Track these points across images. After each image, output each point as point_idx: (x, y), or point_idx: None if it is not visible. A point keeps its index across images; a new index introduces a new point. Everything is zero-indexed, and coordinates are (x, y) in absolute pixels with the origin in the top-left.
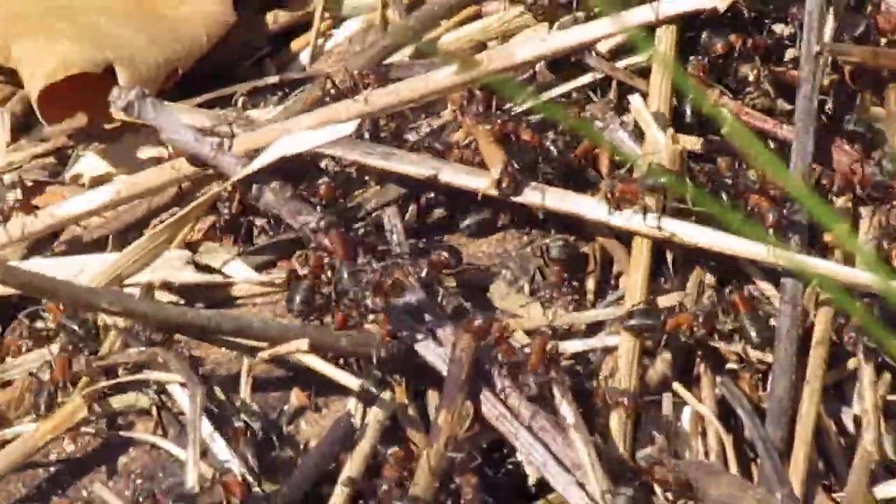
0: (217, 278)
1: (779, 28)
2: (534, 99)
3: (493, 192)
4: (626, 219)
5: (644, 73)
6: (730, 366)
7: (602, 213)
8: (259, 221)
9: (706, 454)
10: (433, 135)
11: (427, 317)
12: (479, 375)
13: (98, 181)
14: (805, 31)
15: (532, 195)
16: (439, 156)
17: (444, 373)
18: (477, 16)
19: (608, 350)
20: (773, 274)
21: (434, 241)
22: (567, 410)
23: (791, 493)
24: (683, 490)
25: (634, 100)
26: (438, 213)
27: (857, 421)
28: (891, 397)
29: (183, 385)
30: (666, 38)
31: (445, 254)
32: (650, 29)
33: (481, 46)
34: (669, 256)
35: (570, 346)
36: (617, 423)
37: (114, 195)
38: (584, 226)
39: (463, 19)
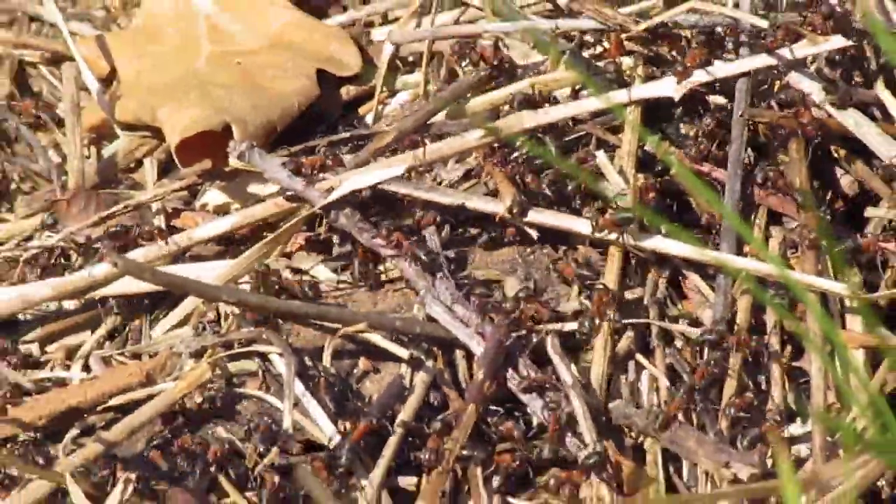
0: (306, 278)
1: (715, 99)
2: (538, 148)
3: (506, 216)
4: (603, 235)
5: (616, 130)
6: (677, 342)
7: (586, 230)
8: (336, 238)
9: (658, 405)
10: (464, 176)
11: (458, 305)
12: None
13: (220, 209)
14: (736, 102)
15: (534, 217)
16: (466, 190)
17: (471, 347)
18: (494, 87)
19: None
20: (710, 273)
21: (460, 251)
22: (564, 373)
23: (720, 433)
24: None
25: (600, 154)
26: (465, 231)
27: (769, 382)
28: (794, 364)
29: (281, 355)
30: (635, 110)
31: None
32: (625, 105)
33: (497, 110)
34: (633, 261)
35: (565, 327)
36: (596, 379)
37: (233, 222)
38: (571, 239)
39: (484, 89)
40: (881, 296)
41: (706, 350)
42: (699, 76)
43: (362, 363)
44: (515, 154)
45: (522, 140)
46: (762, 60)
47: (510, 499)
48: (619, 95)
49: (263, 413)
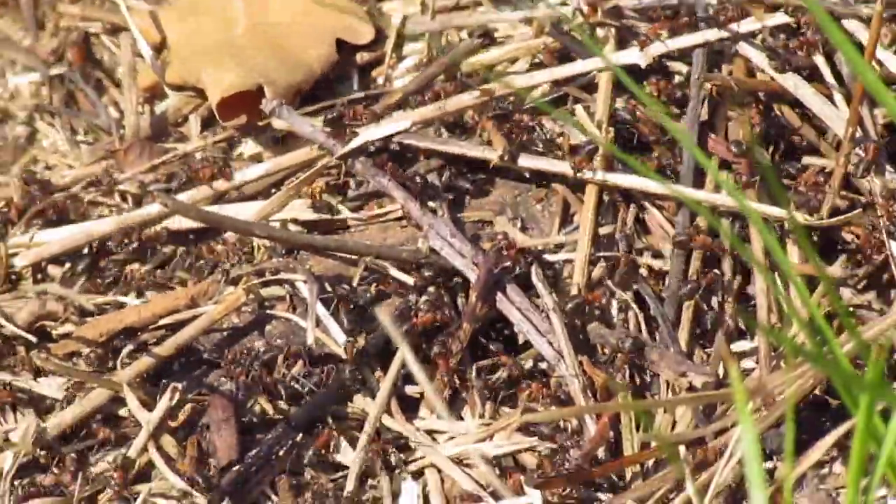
0: (326, 216)
1: (676, 65)
2: (529, 97)
3: (499, 162)
4: (581, 175)
5: (591, 90)
6: (642, 272)
7: (568, 170)
8: (352, 182)
9: (627, 327)
10: (463, 129)
11: (455, 239)
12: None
13: (254, 158)
14: (693, 67)
15: (522, 161)
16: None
17: (467, 275)
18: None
19: (568, 261)
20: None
21: (459, 193)
22: (546, 298)
23: (679, 348)
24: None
25: (578, 109)
26: (465, 174)
27: (721, 305)
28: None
29: (305, 281)
30: (608, 74)
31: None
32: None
33: (491, 68)
34: (606, 197)
35: (548, 258)
36: (574, 308)
37: (266, 168)
38: (555, 179)
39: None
40: (818, 223)
41: (667, 279)
42: (661, 47)
43: (373, 289)
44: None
45: (515, 96)
46: (715, 34)
47: (500, 405)
48: (594, 62)
49: (290, 332)
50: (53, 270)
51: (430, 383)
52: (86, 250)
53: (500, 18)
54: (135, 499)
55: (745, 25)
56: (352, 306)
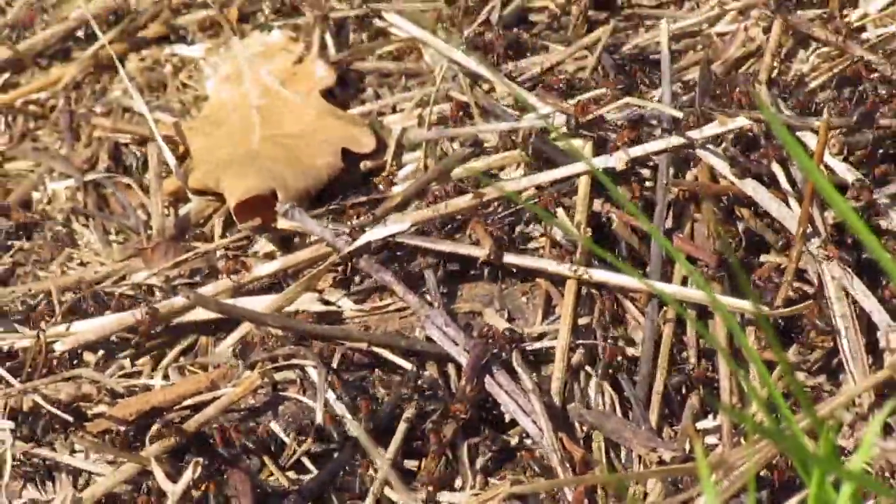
0: (333, 308)
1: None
2: (516, 200)
3: (487, 259)
4: (562, 270)
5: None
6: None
7: (549, 266)
8: (356, 277)
9: (604, 407)
10: (455, 228)
11: (450, 329)
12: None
13: (268, 256)
14: (659, 173)
15: (508, 258)
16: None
17: (460, 361)
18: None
19: (551, 348)
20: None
21: (451, 286)
22: (526, 380)
23: (650, 426)
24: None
25: (559, 212)
26: (455, 269)
27: (688, 387)
28: (710, 374)
29: (314, 366)
30: (587, 178)
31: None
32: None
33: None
34: (584, 290)
35: (528, 346)
36: (556, 387)
37: (278, 265)
38: (538, 274)
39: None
40: (777, 313)
41: (639, 364)
42: (634, 151)
43: (376, 372)
44: (493, 211)
45: (503, 199)
46: (678, 140)
47: (489, 477)
48: (573, 168)
49: (301, 412)
50: (88, 356)
51: (425, 460)
52: (115, 338)
53: (488, 129)
54: None
55: (709, 130)
56: (352, 389)
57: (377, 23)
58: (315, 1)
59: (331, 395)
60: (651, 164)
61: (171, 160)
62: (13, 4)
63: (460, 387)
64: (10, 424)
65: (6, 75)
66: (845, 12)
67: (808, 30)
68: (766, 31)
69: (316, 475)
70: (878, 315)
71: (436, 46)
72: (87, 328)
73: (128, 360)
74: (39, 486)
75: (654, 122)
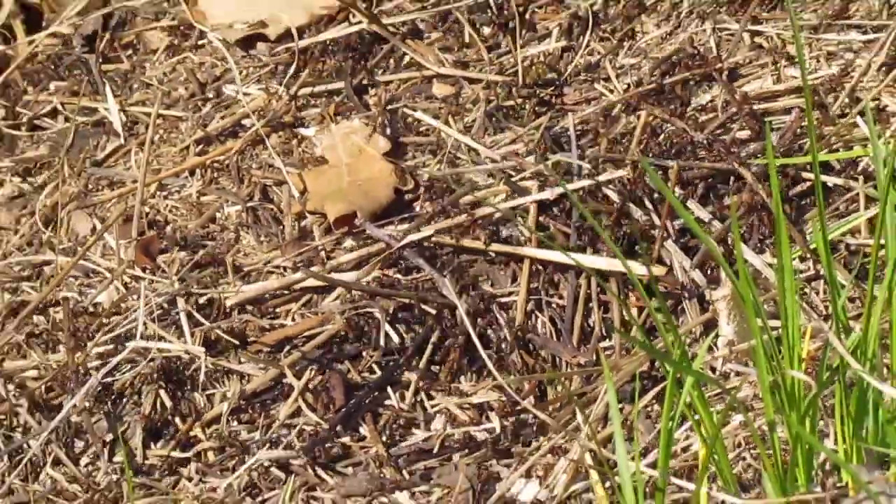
0: (389, 278)
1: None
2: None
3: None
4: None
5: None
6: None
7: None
8: (401, 263)
9: (546, 334)
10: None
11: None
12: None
13: (351, 249)
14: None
15: (494, 247)
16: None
17: (461, 309)
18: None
19: (514, 302)
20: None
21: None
22: (503, 322)
23: (573, 345)
24: None
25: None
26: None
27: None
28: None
29: (379, 312)
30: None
31: None
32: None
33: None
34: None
35: (500, 301)
36: (519, 321)
37: (356, 254)
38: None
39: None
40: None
41: (566, 309)
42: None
43: (416, 313)
44: None
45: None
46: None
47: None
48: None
49: (370, 339)
50: (249, 306)
51: None
52: (267, 295)
53: (475, 170)
54: None
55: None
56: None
57: (413, 114)
58: (378, 102)
59: (389, 329)
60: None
61: (297, 194)
62: (205, 105)
63: (460, 326)
64: (203, 349)
65: (202, 146)
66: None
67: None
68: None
69: (379, 375)
70: None
71: (448, 132)
72: (250, 289)
73: (272, 309)
74: (220, 384)
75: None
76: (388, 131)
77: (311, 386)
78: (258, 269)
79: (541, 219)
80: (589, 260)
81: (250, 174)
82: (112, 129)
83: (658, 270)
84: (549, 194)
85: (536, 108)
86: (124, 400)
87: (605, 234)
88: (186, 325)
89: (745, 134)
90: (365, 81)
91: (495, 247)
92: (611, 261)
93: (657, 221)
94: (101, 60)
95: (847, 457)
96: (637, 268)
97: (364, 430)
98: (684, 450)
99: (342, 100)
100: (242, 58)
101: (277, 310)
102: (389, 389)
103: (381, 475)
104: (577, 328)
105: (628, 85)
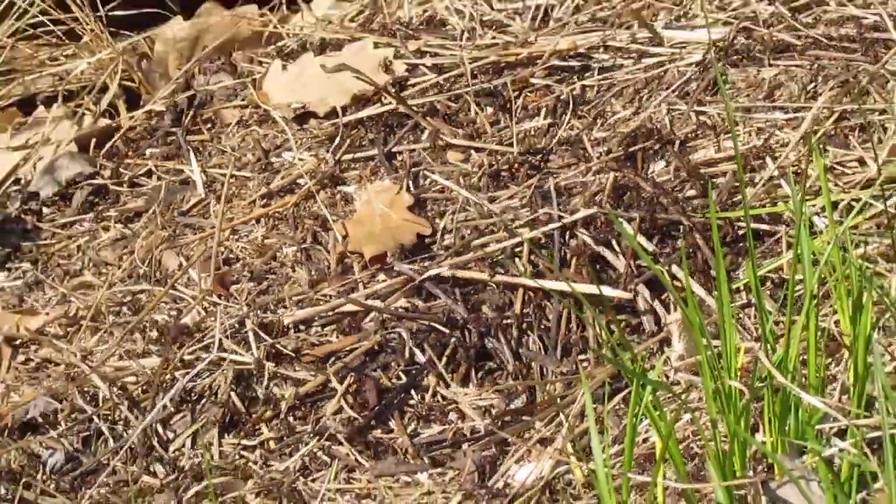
0: (415, 304)
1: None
2: None
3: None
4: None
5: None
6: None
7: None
8: (423, 292)
9: (536, 349)
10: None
11: (463, 311)
12: None
13: (382, 280)
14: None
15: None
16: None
17: (471, 326)
18: None
19: (510, 322)
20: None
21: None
22: (503, 342)
23: (557, 357)
24: None
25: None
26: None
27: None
28: (583, 335)
29: (404, 332)
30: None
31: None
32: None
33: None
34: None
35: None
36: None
37: (386, 284)
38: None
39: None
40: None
41: (551, 331)
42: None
43: (433, 334)
44: None
45: None
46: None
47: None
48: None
49: (398, 353)
50: (301, 327)
51: None
52: (317, 318)
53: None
54: None
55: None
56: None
57: (431, 176)
58: (403, 166)
59: (412, 345)
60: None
61: (340, 238)
62: (268, 168)
63: (468, 342)
64: (266, 360)
65: (265, 199)
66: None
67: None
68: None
69: (405, 381)
70: None
71: (458, 190)
72: (302, 313)
73: (320, 328)
74: (279, 388)
75: None
76: (412, 189)
77: (350, 389)
78: (309, 297)
79: (532, 257)
80: (572, 286)
81: (303, 222)
82: (195, 186)
83: (625, 295)
84: (538, 234)
85: (528, 172)
86: (203, 400)
87: (587, 268)
88: (253, 341)
89: (692, 192)
90: (394, 150)
91: (497, 279)
92: (588, 286)
93: (622, 261)
94: (186, 132)
95: (773, 448)
96: (609, 291)
97: (392, 424)
98: (644, 441)
99: (375, 164)
100: (297, 130)
101: (324, 329)
102: (413, 392)
103: (406, 460)
104: (560, 344)
105: (601, 153)
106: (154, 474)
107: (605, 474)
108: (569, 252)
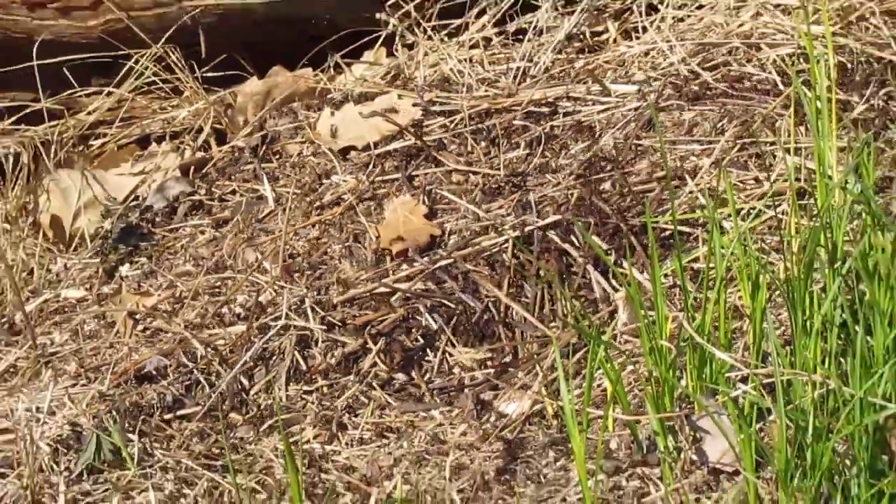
0: (430, 288)
1: None
2: None
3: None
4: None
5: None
6: None
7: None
8: (436, 275)
9: (521, 318)
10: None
11: (467, 294)
12: None
13: (406, 268)
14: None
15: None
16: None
17: (472, 306)
18: None
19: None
20: None
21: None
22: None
23: (536, 323)
24: None
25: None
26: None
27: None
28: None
29: (423, 307)
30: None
31: None
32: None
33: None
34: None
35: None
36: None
37: (408, 271)
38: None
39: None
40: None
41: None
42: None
43: (444, 305)
44: None
45: None
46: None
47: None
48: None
49: (421, 320)
50: (345, 305)
51: None
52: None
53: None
54: None
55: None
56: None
57: (440, 192)
58: (420, 185)
59: (427, 316)
60: None
61: (374, 238)
62: (320, 187)
63: (469, 314)
64: (320, 327)
65: (319, 210)
66: None
67: None
68: None
69: (422, 343)
70: None
71: (461, 203)
72: (347, 293)
73: (360, 304)
74: (329, 349)
75: None
76: (427, 202)
77: (382, 349)
78: (352, 282)
79: (515, 251)
80: (545, 272)
81: (347, 227)
82: (267, 201)
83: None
84: (520, 234)
85: (512, 189)
86: (274, 357)
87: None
88: (310, 314)
89: (632, 203)
90: (413, 174)
91: (488, 269)
92: (557, 273)
93: (582, 254)
94: (260, 161)
95: (694, 391)
96: (572, 276)
97: (413, 374)
98: (599, 385)
99: (399, 184)
100: (342, 160)
101: (363, 305)
102: (428, 351)
103: (423, 400)
104: (537, 316)
105: (565, 175)
106: (239, 411)
107: (570, 410)
108: (542, 247)
